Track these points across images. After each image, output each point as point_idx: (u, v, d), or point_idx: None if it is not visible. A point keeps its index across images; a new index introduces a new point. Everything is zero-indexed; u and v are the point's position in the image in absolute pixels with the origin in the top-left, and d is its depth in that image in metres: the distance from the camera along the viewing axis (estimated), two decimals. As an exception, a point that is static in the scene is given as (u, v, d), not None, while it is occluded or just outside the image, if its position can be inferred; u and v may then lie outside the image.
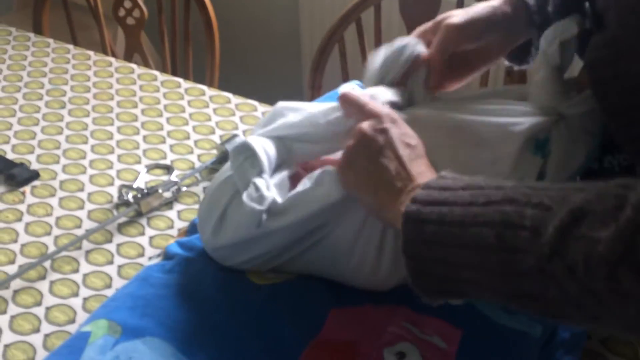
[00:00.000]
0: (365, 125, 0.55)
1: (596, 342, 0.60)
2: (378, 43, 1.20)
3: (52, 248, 0.74)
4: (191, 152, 0.89)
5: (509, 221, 0.43)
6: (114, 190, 0.82)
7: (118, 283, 0.69)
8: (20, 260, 0.72)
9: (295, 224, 0.57)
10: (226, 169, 0.63)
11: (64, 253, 0.73)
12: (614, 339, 0.60)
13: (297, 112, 0.63)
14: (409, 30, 1.19)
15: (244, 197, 0.58)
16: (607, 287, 0.39)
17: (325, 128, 0.60)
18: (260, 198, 0.57)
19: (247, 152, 0.60)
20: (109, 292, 0.68)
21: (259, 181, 0.58)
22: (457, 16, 0.63)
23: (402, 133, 0.55)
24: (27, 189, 0.82)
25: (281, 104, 0.65)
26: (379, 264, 0.58)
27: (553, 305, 0.43)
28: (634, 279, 0.37)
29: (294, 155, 0.63)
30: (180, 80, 1.05)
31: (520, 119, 0.57)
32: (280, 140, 0.62)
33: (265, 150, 0.60)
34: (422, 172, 0.53)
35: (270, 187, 0.59)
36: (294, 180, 0.62)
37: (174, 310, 0.58)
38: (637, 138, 0.51)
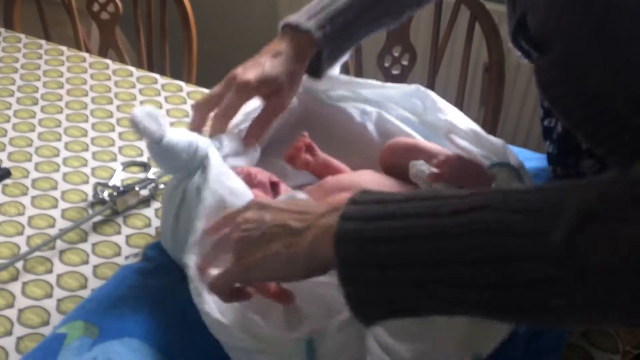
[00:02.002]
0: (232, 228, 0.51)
1: (577, 335, 0.60)
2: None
3: (24, 248, 0.72)
4: (168, 149, 0.87)
5: (496, 229, 0.39)
6: (88, 189, 0.80)
7: (94, 283, 0.67)
8: (-9, 261, 0.70)
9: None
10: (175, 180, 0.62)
11: (37, 253, 0.70)
12: (595, 331, 0.60)
13: None
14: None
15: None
16: (631, 284, 0.36)
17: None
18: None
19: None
20: (85, 293, 0.66)
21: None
22: (249, 71, 0.66)
23: (273, 201, 0.52)
24: (-2, 187, 0.80)
25: None
26: None
27: (553, 311, 0.39)
28: None
29: None
30: (157, 76, 1.03)
31: None
32: None
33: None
34: (330, 204, 0.46)
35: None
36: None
37: (154, 313, 0.57)
38: (603, 142, 0.52)
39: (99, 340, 0.54)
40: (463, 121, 0.70)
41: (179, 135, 0.58)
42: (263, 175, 0.66)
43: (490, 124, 1.16)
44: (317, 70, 0.72)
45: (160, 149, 0.58)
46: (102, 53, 1.30)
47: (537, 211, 0.39)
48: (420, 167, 0.64)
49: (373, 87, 0.76)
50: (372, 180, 0.67)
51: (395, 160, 0.68)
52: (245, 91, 0.65)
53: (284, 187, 0.67)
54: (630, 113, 0.49)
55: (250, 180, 0.63)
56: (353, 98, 0.77)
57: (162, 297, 0.59)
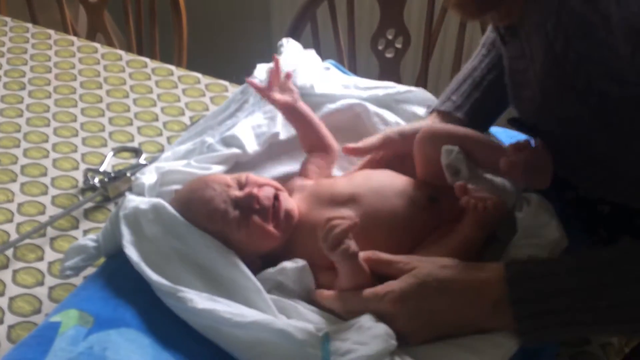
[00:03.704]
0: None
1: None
2: (351, 22, 1.18)
3: (14, 236, 0.70)
4: (160, 134, 0.86)
5: None
6: (79, 175, 0.79)
7: (86, 271, 0.66)
8: (-19, 249, 0.69)
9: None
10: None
11: (27, 241, 0.69)
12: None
13: None
14: (382, 7, 1.17)
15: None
16: None
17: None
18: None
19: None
20: (77, 281, 0.65)
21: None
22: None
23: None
24: (-14, 174, 0.78)
25: None
26: None
27: None
28: None
29: None
30: (147, 60, 1.01)
31: None
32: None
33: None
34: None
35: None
36: None
37: (150, 304, 0.56)
38: (617, 193, 0.60)
39: (93, 330, 0.53)
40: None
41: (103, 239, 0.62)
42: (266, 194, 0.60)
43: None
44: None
45: (107, 252, 0.62)
46: (91, 37, 1.27)
47: None
48: (458, 155, 0.59)
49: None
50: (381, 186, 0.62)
51: (434, 150, 0.62)
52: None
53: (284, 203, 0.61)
54: (636, 170, 0.55)
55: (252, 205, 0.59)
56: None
57: None
